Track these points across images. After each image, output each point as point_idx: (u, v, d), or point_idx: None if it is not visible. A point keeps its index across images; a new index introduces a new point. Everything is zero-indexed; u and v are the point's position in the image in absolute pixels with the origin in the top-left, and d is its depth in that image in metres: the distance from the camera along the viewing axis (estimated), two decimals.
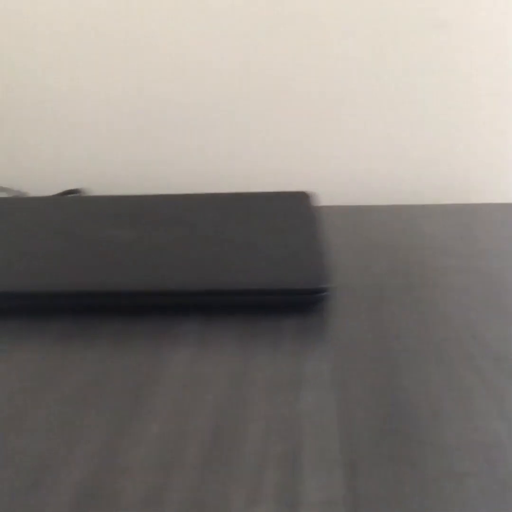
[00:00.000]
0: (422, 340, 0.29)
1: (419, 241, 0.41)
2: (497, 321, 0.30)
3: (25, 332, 0.30)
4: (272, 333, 0.30)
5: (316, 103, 0.52)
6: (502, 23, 0.48)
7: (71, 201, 0.44)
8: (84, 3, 0.50)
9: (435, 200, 0.53)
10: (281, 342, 0.29)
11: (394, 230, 0.43)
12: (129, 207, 0.41)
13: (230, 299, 0.31)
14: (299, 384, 0.26)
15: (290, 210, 0.40)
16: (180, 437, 0.23)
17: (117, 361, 0.28)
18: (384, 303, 0.32)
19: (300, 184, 0.55)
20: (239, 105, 0.52)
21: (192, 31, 0.50)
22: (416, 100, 0.51)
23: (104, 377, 0.27)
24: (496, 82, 0.50)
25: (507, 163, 0.53)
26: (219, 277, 0.31)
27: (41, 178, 0.56)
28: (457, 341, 0.29)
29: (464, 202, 0.50)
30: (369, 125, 0.52)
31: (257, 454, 0.22)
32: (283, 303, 0.31)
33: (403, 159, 0.53)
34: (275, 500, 0.20)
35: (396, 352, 0.28)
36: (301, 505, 0.19)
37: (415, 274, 0.36)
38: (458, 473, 0.20)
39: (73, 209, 0.42)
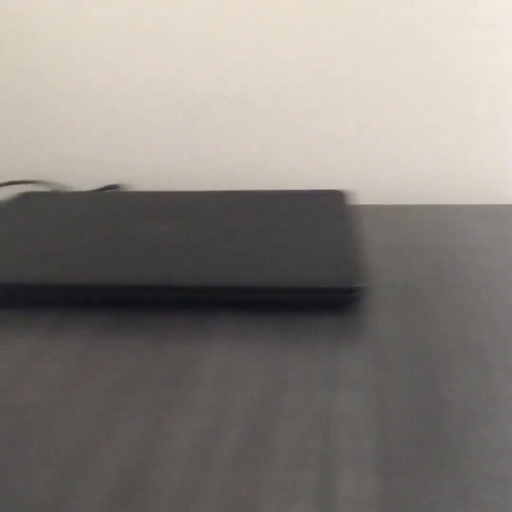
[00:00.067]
0: (460, 341, 0.28)
1: (457, 241, 0.40)
2: None
3: (64, 324, 0.31)
4: (307, 331, 0.30)
5: (355, 101, 0.51)
6: None
7: (111, 196, 0.45)
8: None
9: (473, 201, 0.52)
10: (316, 341, 0.29)
11: (432, 230, 0.42)
12: (166, 203, 0.42)
13: (265, 296, 0.31)
14: (334, 383, 0.26)
15: (325, 209, 0.40)
16: (216, 432, 0.23)
17: (154, 355, 0.28)
18: (421, 303, 0.32)
19: (337, 182, 0.55)
20: (277, 102, 0.53)
21: (234, 26, 0.50)
22: (459, 100, 0.50)
23: (141, 370, 0.27)
24: None
25: None
26: (254, 274, 0.32)
27: (83, 173, 0.57)
28: (496, 342, 0.28)
29: (503, 203, 0.49)
30: (409, 123, 0.51)
31: (293, 451, 0.22)
32: (318, 301, 0.32)
33: (441, 158, 0.52)
34: (310, 498, 0.20)
35: (433, 352, 0.28)
36: (336, 503, 0.19)
37: (453, 274, 0.35)
38: (498, 479, 0.20)
39: (113, 204, 0.43)
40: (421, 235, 0.41)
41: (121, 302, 0.33)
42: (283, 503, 0.20)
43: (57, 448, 0.23)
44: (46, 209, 0.42)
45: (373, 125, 0.52)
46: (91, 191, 0.50)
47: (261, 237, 0.36)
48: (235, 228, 0.37)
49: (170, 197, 0.44)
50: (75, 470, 0.21)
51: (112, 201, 0.43)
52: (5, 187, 0.54)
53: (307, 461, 0.21)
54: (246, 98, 0.53)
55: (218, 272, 0.32)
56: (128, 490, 0.20)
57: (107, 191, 0.49)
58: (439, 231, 0.42)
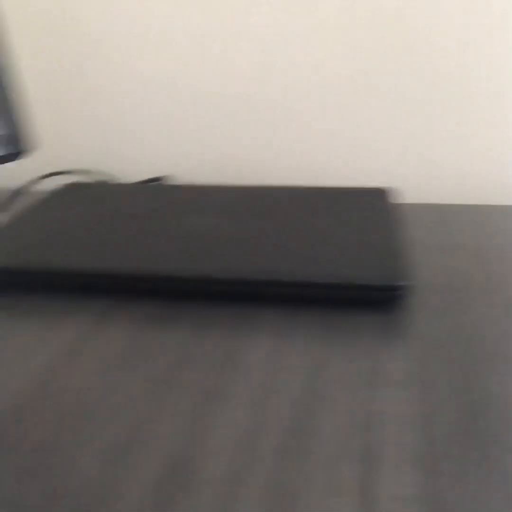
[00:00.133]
0: (505, 342, 0.28)
1: (503, 242, 0.39)
2: None
3: (110, 314, 0.32)
4: (350, 328, 0.30)
5: (401, 99, 0.51)
6: None
7: (155, 188, 0.46)
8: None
9: None
10: (359, 338, 0.29)
11: (478, 230, 0.41)
12: (210, 197, 0.43)
13: (310, 291, 0.32)
14: (376, 380, 0.26)
15: (368, 206, 0.40)
16: (259, 424, 0.23)
17: (198, 345, 0.29)
18: (466, 304, 0.32)
19: (382, 180, 0.54)
20: (323, 99, 0.52)
21: (279, 27, 0.51)
22: (505, 99, 0.49)
23: (186, 360, 0.28)
24: None
25: None
26: (299, 269, 0.32)
27: (130, 165, 0.59)
28: None
29: None
30: (457, 122, 0.51)
31: (335, 446, 0.22)
32: (362, 298, 0.32)
33: (489, 158, 0.51)
34: (353, 492, 0.20)
35: (477, 353, 0.27)
36: (378, 499, 0.20)
37: (499, 275, 0.35)
38: None
39: (157, 196, 0.44)
40: (469, 235, 0.41)
41: (166, 292, 0.33)
42: (325, 496, 0.20)
43: (104, 432, 0.23)
44: (92, 199, 0.43)
45: (421, 123, 0.51)
46: (135, 183, 0.51)
47: (305, 233, 0.36)
48: (279, 223, 0.38)
49: (214, 190, 0.44)
50: (121, 454, 0.22)
51: (156, 194, 0.44)
52: (52, 178, 0.55)
53: (349, 456, 0.22)
54: (286, 95, 0.53)
55: (263, 266, 0.32)
56: (173, 477, 0.21)
57: (150, 183, 0.50)
58: (483, 231, 0.41)
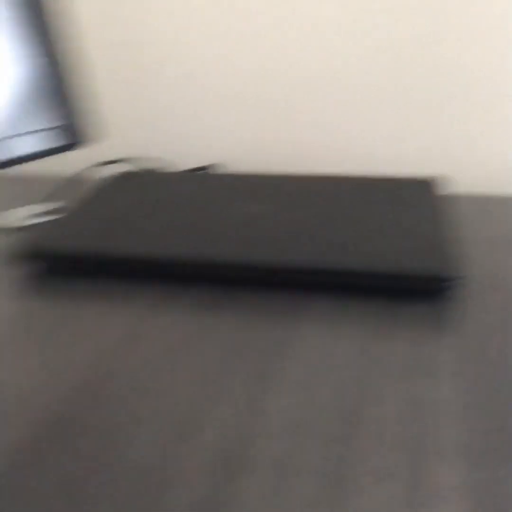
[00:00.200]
0: None
1: None
2: None
3: (164, 300, 0.33)
4: (399, 318, 0.30)
5: (452, 90, 0.50)
6: None
7: (204, 177, 0.47)
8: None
9: None
10: (407, 327, 0.29)
11: None
12: (259, 185, 0.43)
13: (360, 281, 0.32)
14: (424, 371, 0.26)
15: (416, 196, 0.40)
16: (307, 411, 0.24)
17: (250, 332, 0.30)
18: None
19: (435, 170, 0.54)
20: (374, 89, 0.52)
21: (327, 21, 0.50)
22: None
23: (239, 346, 0.29)
24: None
25: None
26: (351, 258, 0.32)
27: (182, 151, 0.60)
28: None
29: None
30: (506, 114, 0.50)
31: (382, 434, 0.23)
32: (411, 289, 0.32)
33: None
34: (399, 480, 0.21)
35: None
36: (423, 488, 0.20)
37: None
38: None
39: (205, 185, 0.44)
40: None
41: (218, 279, 0.34)
42: (374, 482, 0.20)
43: (163, 412, 0.25)
44: (143, 188, 0.45)
45: (474, 114, 0.51)
46: (183, 171, 0.52)
47: (354, 222, 0.36)
48: (328, 212, 0.38)
49: (262, 179, 0.45)
50: (179, 434, 0.23)
51: (205, 182, 0.45)
52: (105, 166, 0.57)
53: (397, 445, 0.22)
54: (336, 84, 0.53)
55: (315, 255, 0.33)
56: (227, 458, 0.22)
57: (199, 172, 0.51)
58: None
